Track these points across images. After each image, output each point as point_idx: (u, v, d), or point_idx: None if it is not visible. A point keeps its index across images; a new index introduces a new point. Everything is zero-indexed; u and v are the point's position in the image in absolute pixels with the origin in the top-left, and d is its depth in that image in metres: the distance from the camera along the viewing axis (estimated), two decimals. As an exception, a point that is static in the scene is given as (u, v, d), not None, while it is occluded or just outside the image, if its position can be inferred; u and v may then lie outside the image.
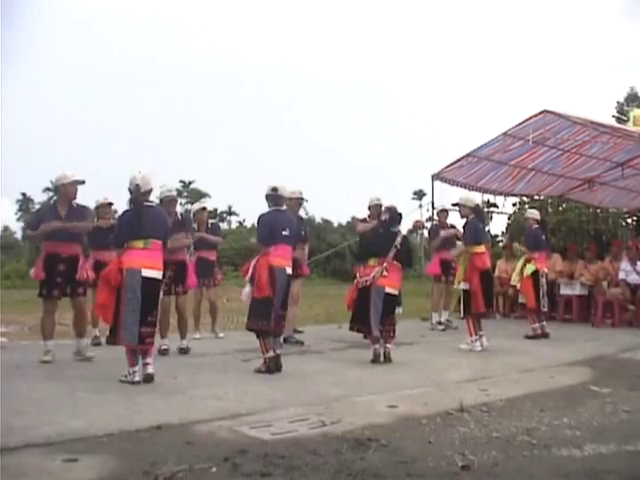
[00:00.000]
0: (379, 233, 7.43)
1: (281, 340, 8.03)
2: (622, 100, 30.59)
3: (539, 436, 4.16)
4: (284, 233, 6.52)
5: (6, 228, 62.70)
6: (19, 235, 59.23)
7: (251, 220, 57.08)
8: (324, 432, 4.22)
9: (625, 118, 22.37)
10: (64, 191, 6.96)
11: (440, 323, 10.61)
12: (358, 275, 7.33)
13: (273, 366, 6.30)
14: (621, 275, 11.25)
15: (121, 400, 4.99)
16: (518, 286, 10.00)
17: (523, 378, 6.31)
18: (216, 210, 66.30)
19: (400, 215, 7.50)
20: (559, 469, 3.49)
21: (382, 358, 7.06)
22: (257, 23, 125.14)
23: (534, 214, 10.12)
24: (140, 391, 5.36)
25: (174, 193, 8.24)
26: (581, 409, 4.95)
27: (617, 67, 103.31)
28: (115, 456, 3.62)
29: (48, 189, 53.11)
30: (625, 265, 11.26)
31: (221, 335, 9.33)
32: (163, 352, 7.39)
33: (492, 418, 4.66)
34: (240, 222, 61.13)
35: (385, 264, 7.08)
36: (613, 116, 24.79)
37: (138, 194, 5.92)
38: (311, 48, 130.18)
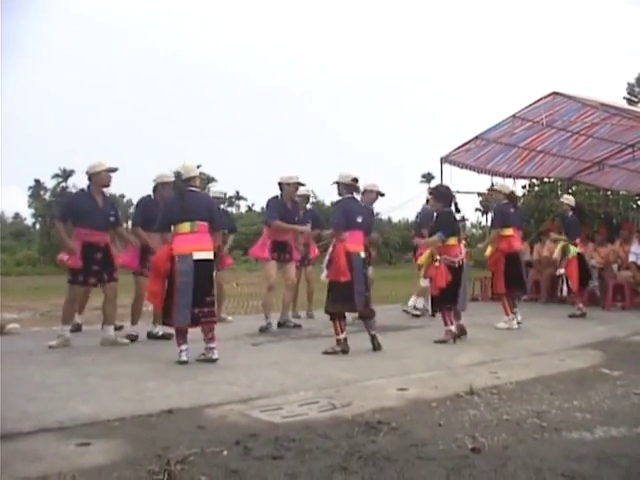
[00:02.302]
0: (453, 215, 7.68)
1: (272, 326, 8.34)
2: (633, 81, 30.30)
3: (549, 419, 4.16)
4: (358, 220, 6.83)
5: (17, 215, 63.02)
6: (30, 222, 59.53)
7: (260, 204, 57.21)
8: (334, 415, 4.23)
9: (636, 99, 22.23)
10: (99, 179, 7.06)
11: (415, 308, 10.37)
12: (440, 256, 7.40)
13: (347, 347, 6.63)
14: (631, 258, 11.21)
15: (132, 385, 5.03)
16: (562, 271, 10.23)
17: (533, 361, 6.31)
18: (225, 194, 66.48)
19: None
20: (570, 452, 3.49)
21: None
22: (267, 13, 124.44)
23: (569, 200, 10.33)
24: (151, 376, 5.39)
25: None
26: (592, 392, 4.94)
27: (628, 52, 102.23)
28: (127, 440, 3.64)
29: (57, 175, 53.34)
30: (636, 248, 11.22)
31: (230, 319, 9.39)
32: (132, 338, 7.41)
33: (502, 401, 4.66)
34: (249, 206, 61.25)
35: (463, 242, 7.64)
36: (624, 97, 24.58)
37: (180, 180, 6.29)
38: (320, 37, 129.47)
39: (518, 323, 8.54)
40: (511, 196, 9.11)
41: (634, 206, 17.39)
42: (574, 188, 16.82)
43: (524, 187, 17.56)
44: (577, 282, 9.95)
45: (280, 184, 8.50)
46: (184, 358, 5.94)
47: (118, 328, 7.88)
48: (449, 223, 7.50)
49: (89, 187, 7.15)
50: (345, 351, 6.57)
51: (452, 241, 7.45)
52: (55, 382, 5.13)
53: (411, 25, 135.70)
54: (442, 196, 7.70)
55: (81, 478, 3.02)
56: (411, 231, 11.21)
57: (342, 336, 6.65)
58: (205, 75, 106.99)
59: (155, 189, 7.64)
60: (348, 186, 6.89)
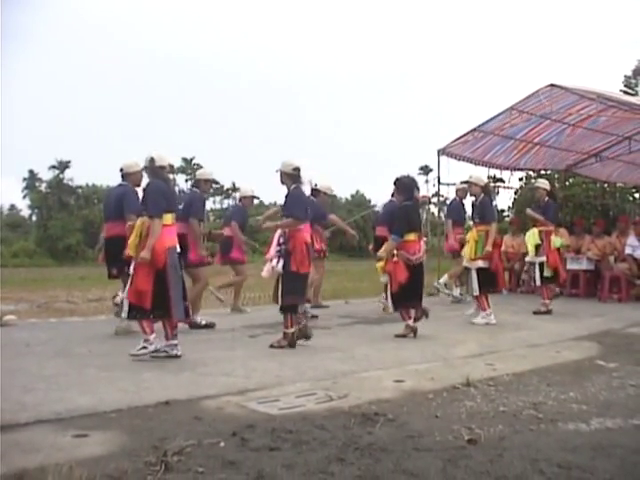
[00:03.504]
0: (415, 209, 7.42)
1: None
2: (629, 73, 30.23)
3: (546, 410, 4.18)
4: (308, 211, 6.71)
5: (12, 206, 62.83)
6: (26, 213, 59.39)
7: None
8: (331, 407, 4.24)
9: (632, 92, 22.21)
10: (134, 178, 7.32)
11: (455, 297, 10.79)
12: (399, 252, 7.10)
13: (295, 341, 6.47)
14: (628, 250, 11.22)
15: (129, 377, 5.03)
16: (530, 258, 9.83)
17: (530, 353, 6.32)
18: (222, 187, 66.32)
19: None
20: (566, 443, 3.50)
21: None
22: (266, 10, 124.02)
23: (545, 184, 10.02)
24: (148, 368, 5.39)
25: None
26: (588, 384, 4.96)
27: (625, 42, 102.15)
28: (124, 432, 3.65)
29: (54, 167, 53.15)
30: (632, 240, 11.23)
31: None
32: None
33: (499, 393, 4.67)
34: (246, 198, 61.14)
35: (425, 238, 7.34)
36: (620, 90, 24.52)
37: (154, 166, 5.98)
38: (316, 31, 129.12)
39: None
40: (486, 188, 8.75)
41: (630, 198, 17.42)
42: (571, 180, 16.85)
43: (521, 179, 17.58)
44: (565, 273, 9.56)
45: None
46: (156, 347, 5.77)
47: None
48: (405, 219, 7.17)
49: (127, 184, 7.37)
50: (292, 345, 6.42)
51: (411, 237, 7.14)
52: (52, 373, 5.14)
53: (407, 17, 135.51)
54: (405, 188, 7.37)
55: (78, 469, 3.02)
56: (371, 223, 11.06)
57: (292, 330, 6.48)
58: (202, 69, 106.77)
59: (197, 185, 8.25)
60: (291, 175, 6.63)
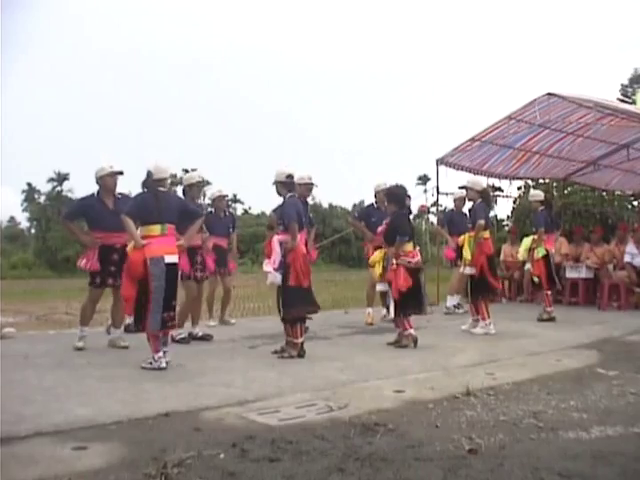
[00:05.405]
0: (408, 217, 7.42)
1: None
2: (626, 82, 30.33)
3: (546, 419, 4.17)
4: (303, 219, 6.67)
5: (12, 218, 62.80)
6: (24, 225, 59.40)
7: (258, 207, 57.20)
8: (331, 417, 4.23)
9: (629, 100, 22.28)
10: (104, 183, 7.11)
11: (456, 307, 10.74)
12: (403, 259, 7.05)
13: (304, 351, 6.47)
14: (627, 258, 11.22)
15: (129, 388, 5.02)
16: (527, 265, 9.92)
17: (530, 361, 6.31)
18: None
19: None
20: (566, 451, 3.50)
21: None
22: (257, 10, 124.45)
23: (537, 196, 10.04)
24: (148, 379, 5.38)
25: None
26: (588, 392, 4.95)
27: (622, 45, 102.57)
28: (124, 443, 3.64)
29: (52, 179, 53.19)
30: (631, 248, 11.23)
31: (232, 322, 9.44)
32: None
33: (499, 402, 4.67)
34: (246, 210, 61.18)
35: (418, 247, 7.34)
36: (618, 99, 24.62)
37: (150, 179, 6.03)
38: (315, 35, 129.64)
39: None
40: (484, 193, 8.56)
41: (629, 206, 17.43)
42: (569, 188, 16.86)
43: (519, 188, 17.59)
44: (547, 282, 9.54)
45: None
46: (164, 364, 5.81)
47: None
48: (405, 226, 7.18)
49: (99, 191, 7.20)
50: (302, 355, 6.43)
51: (408, 246, 7.12)
52: (51, 385, 5.13)
53: (404, 25, 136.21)
54: (396, 198, 7.32)
55: (77, 481, 3.02)
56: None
57: (301, 339, 6.50)
58: (201, 79, 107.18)
59: (184, 192, 7.97)
60: (285, 184, 6.63)
